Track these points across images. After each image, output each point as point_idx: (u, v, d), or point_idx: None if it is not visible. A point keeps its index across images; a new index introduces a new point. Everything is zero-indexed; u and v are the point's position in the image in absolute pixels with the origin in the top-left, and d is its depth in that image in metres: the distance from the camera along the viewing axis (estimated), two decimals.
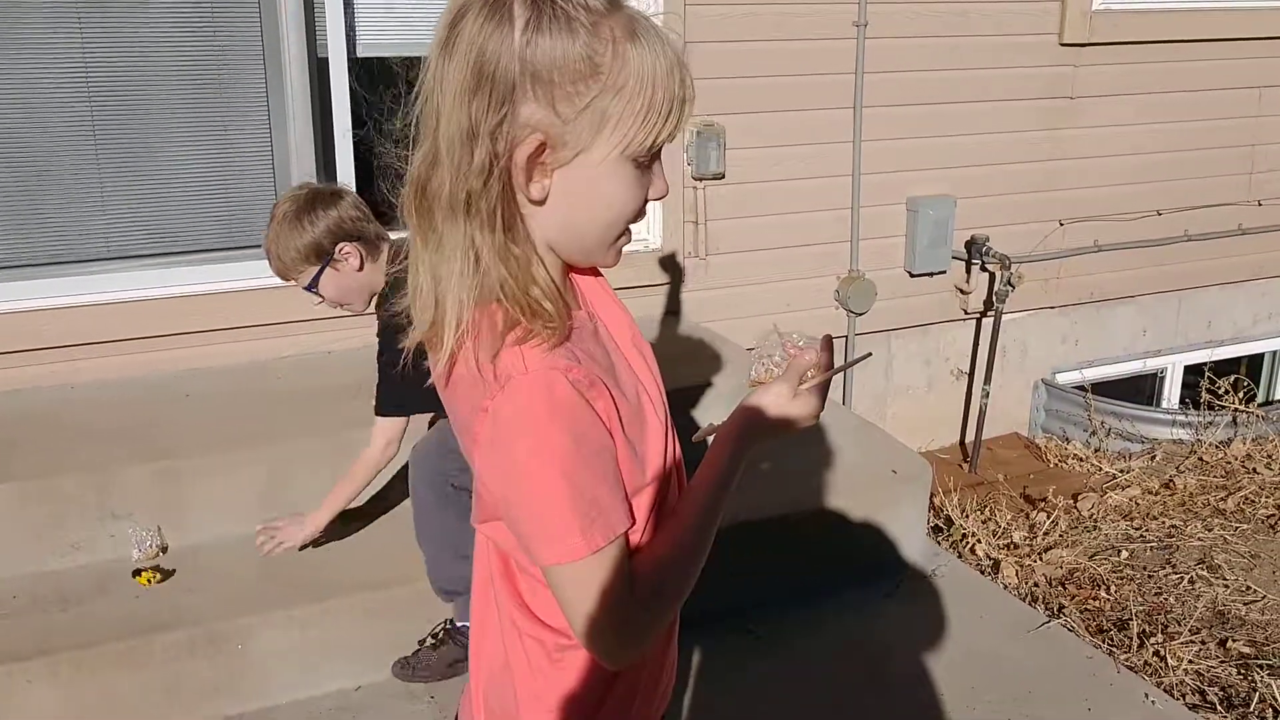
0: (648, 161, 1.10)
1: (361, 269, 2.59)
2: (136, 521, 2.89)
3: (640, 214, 1.14)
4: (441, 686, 2.81)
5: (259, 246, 3.50)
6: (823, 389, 1.24)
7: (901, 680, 2.88)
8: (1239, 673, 3.07)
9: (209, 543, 2.96)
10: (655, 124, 1.07)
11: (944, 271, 4.56)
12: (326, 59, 3.45)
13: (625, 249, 1.16)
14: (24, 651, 2.53)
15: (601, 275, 1.25)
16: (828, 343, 1.25)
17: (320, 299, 2.64)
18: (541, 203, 1.08)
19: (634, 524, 1.11)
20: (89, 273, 3.34)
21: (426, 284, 1.11)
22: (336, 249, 2.55)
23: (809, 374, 1.23)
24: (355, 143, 3.57)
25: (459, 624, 2.75)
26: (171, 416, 3.17)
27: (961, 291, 4.64)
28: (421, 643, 2.80)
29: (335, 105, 3.48)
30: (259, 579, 2.83)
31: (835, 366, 1.25)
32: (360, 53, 3.50)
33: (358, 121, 3.59)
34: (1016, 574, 3.51)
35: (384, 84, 4.51)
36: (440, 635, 2.78)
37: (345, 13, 3.43)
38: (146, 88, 3.31)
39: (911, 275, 4.52)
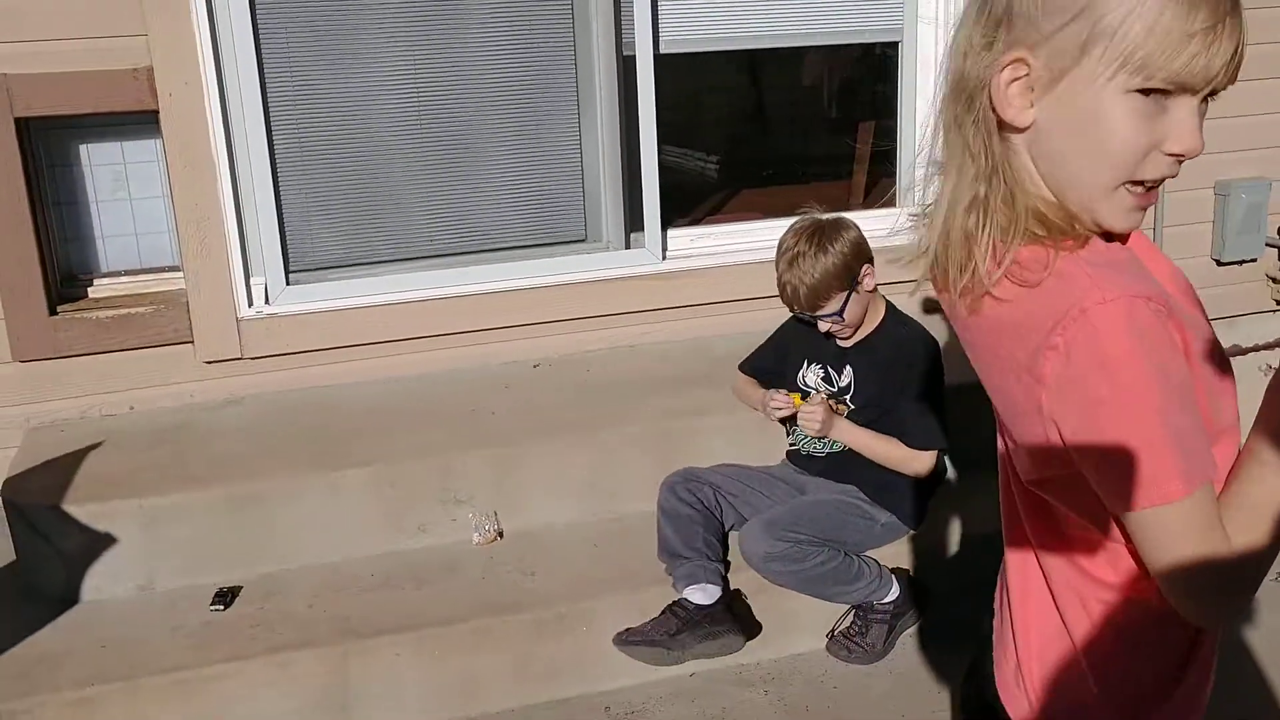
0: (1163, 100, 0.99)
1: (874, 289, 2.75)
2: (475, 506, 3.01)
3: (1154, 165, 1.01)
4: (775, 677, 2.81)
5: (568, 243, 3.66)
6: None
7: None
8: None
9: (540, 527, 3.05)
10: (1163, 49, 0.96)
11: (1255, 259, 4.27)
12: (633, 56, 3.50)
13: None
14: (390, 625, 2.66)
15: (1144, 237, 1.18)
16: None
17: (840, 323, 2.74)
18: (1026, 129, 1.03)
19: (1216, 469, 1.02)
20: (411, 270, 3.50)
21: (948, 219, 1.08)
22: (861, 270, 2.68)
23: None
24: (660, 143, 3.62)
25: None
26: (496, 406, 3.28)
27: (1275, 281, 4.33)
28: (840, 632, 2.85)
29: (641, 105, 3.54)
30: (594, 563, 2.90)
31: None
32: (664, 49, 3.55)
33: (664, 123, 3.63)
34: None
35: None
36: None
37: (651, 11, 3.48)
38: (467, 93, 3.45)
39: (1219, 264, 4.25)
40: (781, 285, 2.73)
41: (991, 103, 1.03)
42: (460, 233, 3.55)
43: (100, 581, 2.79)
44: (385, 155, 3.43)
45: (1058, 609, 1.15)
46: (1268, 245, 4.24)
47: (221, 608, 2.72)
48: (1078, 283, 1.00)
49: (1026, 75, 1.01)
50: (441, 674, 2.67)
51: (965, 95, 1.04)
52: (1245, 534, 1.02)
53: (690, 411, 3.21)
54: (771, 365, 2.97)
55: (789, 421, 2.89)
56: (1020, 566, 1.20)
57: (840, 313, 2.69)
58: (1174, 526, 1.00)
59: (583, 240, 3.66)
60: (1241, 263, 4.26)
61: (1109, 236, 1.09)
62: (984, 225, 1.04)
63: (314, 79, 3.31)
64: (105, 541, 2.77)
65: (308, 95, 3.32)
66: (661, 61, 3.57)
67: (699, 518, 2.79)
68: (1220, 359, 1.10)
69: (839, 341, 2.82)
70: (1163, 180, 1.04)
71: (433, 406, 3.30)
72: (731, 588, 2.77)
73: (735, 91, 7.19)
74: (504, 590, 2.80)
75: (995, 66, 1.02)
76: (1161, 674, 1.14)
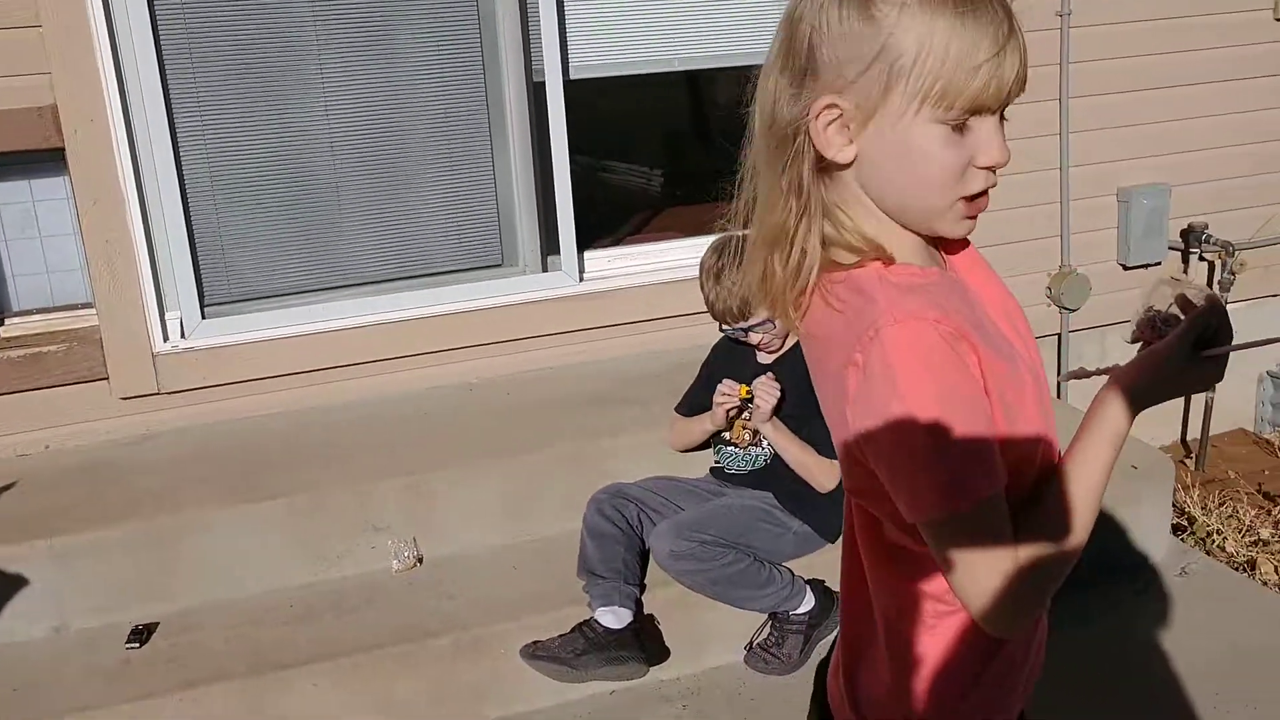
0: (962, 123, 1.06)
1: None
2: (394, 533, 3.02)
3: (973, 180, 1.10)
4: (695, 692, 2.85)
5: (485, 268, 3.68)
6: (1223, 360, 1.17)
7: (1165, 679, 2.78)
8: None
9: (460, 552, 3.07)
10: (955, 81, 1.04)
11: (1159, 263, 4.40)
12: (543, 83, 3.55)
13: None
14: (308, 655, 2.67)
15: (972, 247, 1.25)
16: (1219, 306, 1.19)
17: (772, 329, 2.82)
18: (849, 164, 1.10)
19: (1004, 483, 1.08)
20: (328, 299, 3.52)
21: (756, 254, 1.16)
22: None
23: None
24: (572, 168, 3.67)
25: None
26: (416, 432, 3.31)
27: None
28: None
29: (553, 130, 3.58)
30: (512, 585, 2.93)
31: (1243, 341, 1.17)
32: (573, 75, 3.60)
33: (576, 147, 3.68)
34: (1276, 570, 3.34)
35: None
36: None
37: (560, 38, 3.53)
38: (379, 121, 3.47)
39: (1125, 268, 4.37)
40: (710, 303, 2.80)
41: (811, 143, 1.09)
42: (377, 260, 3.58)
43: (12, 624, 2.77)
44: (299, 185, 3.45)
45: (875, 610, 1.21)
46: (1170, 249, 4.37)
47: (137, 645, 2.71)
48: (877, 304, 1.07)
49: (840, 116, 1.08)
50: (361, 702, 2.68)
51: (775, 139, 1.10)
52: (1046, 532, 1.09)
53: (608, 431, 3.25)
54: (705, 400, 3.00)
55: (716, 438, 2.95)
56: (849, 569, 1.26)
57: (772, 319, 2.76)
58: (953, 538, 1.07)
59: (499, 265, 3.70)
60: (1146, 266, 4.39)
61: (937, 244, 1.19)
62: (790, 258, 1.10)
63: (223, 110, 3.32)
64: (17, 583, 2.76)
65: (217, 127, 3.33)
66: (585, 84, 3.62)
67: (622, 538, 2.83)
68: (1033, 381, 1.16)
69: (760, 359, 2.88)
70: (985, 190, 1.13)
71: (352, 435, 3.32)
72: (646, 611, 2.81)
73: (678, 108, 7.31)
74: (422, 616, 2.82)
75: (809, 112, 1.08)
76: (961, 670, 1.20)
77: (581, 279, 3.75)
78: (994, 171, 1.11)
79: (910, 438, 1.04)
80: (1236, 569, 3.38)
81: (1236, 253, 4.27)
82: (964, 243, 1.23)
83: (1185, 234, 4.36)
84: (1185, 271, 4.45)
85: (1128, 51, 4.16)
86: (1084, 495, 1.12)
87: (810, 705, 1.38)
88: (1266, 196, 4.48)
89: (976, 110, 1.07)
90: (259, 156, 3.39)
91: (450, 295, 3.59)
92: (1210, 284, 4.45)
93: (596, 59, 3.65)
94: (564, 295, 3.69)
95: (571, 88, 3.60)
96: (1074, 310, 4.28)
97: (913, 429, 1.03)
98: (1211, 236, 4.32)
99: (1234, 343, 1.16)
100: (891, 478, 1.08)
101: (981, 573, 1.07)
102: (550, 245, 3.72)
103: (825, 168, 1.11)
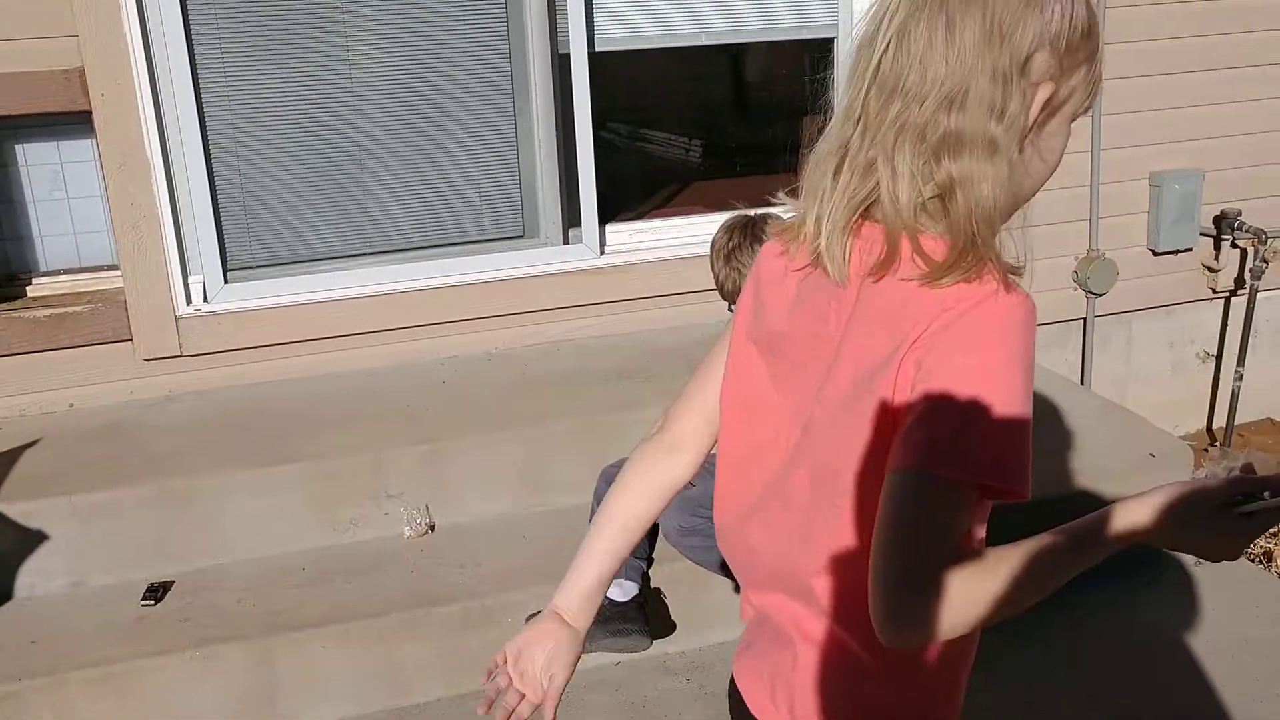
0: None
1: None
2: (407, 500, 3.05)
3: None
4: (699, 666, 2.87)
5: (507, 239, 3.70)
6: (1262, 525, 1.03)
7: (1175, 670, 2.77)
8: None
9: (472, 521, 3.10)
10: (1095, 84, 1.10)
11: (1190, 249, 4.34)
12: (568, 55, 3.54)
13: None
14: (319, 618, 2.71)
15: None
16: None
17: None
18: (1023, 152, 1.09)
19: (1027, 497, 1.02)
20: (351, 267, 3.54)
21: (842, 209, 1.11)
22: None
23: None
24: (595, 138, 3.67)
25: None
26: (433, 401, 3.33)
27: (1209, 269, 4.40)
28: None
29: (576, 104, 3.58)
30: (522, 555, 2.95)
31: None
32: (598, 47, 3.59)
33: (613, 115, 3.67)
34: None
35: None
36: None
37: (586, 10, 3.52)
38: (404, 91, 3.48)
39: (1155, 254, 4.32)
40: (720, 283, 2.78)
41: (1026, 116, 1.07)
42: (399, 229, 3.59)
43: (33, 579, 2.83)
44: (323, 152, 3.47)
45: (842, 624, 1.17)
46: (1201, 235, 4.31)
47: (152, 603, 2.76)
48: (988, 278, 1.06)
49: (1051, 101, 1.08)
50: (369, 666, 2.72)
51: (1010, 109, 1.06)
52: (1009, 554, 1.02)
53: (624, 405, 3.26)
54: None
55: None
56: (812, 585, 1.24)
57: None
58: (921, 500, 1.01)
59: (521, 236, 3.71)
60: (1177, 252, 4.33)
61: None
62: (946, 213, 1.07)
63: (248, 76, 3.34)
64: (37, 539, 2.81)
65: (242, 92, 3.35)
66: (626, 54, 3.60)
67: None
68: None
69: None
70: None
71: (369, 402, 3.35)
72: (653, 585, 2.82)
73: (719, 80, 7.23)
74: (433, 583, 2.85)
75: (1035, 87, 1.07)
76: (955, 674, 1.20)
77: (603, 252, 3.75)
78: None
79: (988, 394, 1.00)
80: (1253, 560, 3.35)
81: (1269, 240, 4.20)
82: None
83: (1218, 220, 4.30)
84: (1216, 258, 4.38)
85: (1161, 34, 4.09)
86: (1037, 568, 1.02)
87: None
88: None
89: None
90: (284, 123, 3.41)
91: (471, 266, 3.60)
92: (1241, 271, 4.39)
93: (622, 31, 3.64)
94: (584, 268, 3.69)
95: (611, 54, 3.59)
96: (1101, 295, 4.24)
97: (997, 387, 1.01)
98: (1244, 223, 4.25)
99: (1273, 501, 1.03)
100: (926, 423, 1.01)
101: (909, 550, 1.00)
102: (572, 218, 3.73)
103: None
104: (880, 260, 1.08)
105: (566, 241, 3.72)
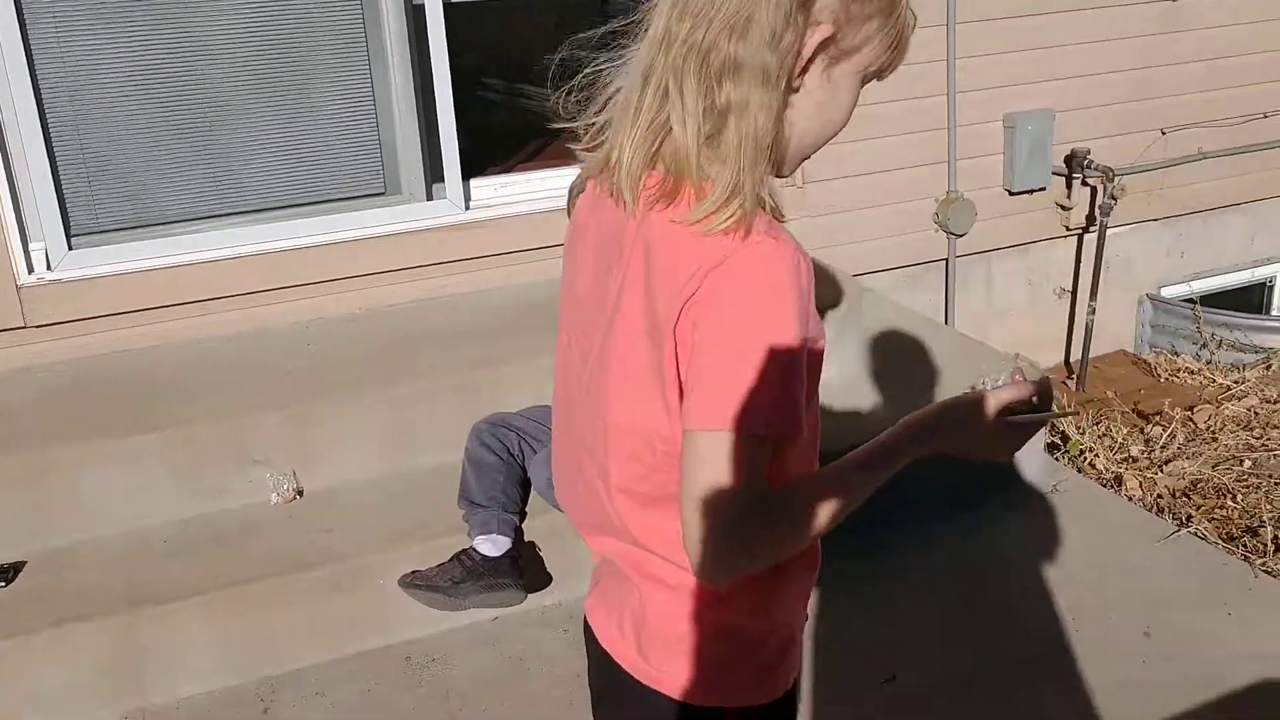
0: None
1: None
2: (273, 466, 2.99)
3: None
4: (576, 617, 2.88)
5: (368, 196, 3.62)
6: (1026, 430, 1.17)
7: (1030, 594, 2.88)
8: None
9: (340, 484, 3.05)
10: (893, 49, 1.11)
11: (1044, 188, 4.48)
12: (422, 6, 3.46)
13: None
14: (184, 590, 2.64)
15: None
16: (1046, 387, 1.19)
17: None
18: (795, 92, 1.09)
19: (804, 434, 1.08)
20: (205, 229, 3.43)
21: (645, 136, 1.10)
22: None
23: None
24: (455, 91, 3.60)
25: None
26: (297, 364, 3.26)
27: (1062, 208, 4.56)
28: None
29: (434, 56, 3.51)
30: (391, 516, 2.92)
31: (1047, 412, 1.17)
32: None
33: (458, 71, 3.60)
34: (1140, 486, 3.47)
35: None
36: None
37: None
38: (254, 47, 3.36)
39: (1011, 193, 4.45)
40: None
41: (794, 57, 1.06)
42: (254, 189, 3.49)
43: None
44: (168, 112, 3.34)
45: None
46: (1054, 174, 4.45)
47: (2, 584, 2.66)
48: (755, 223, 1.05)
49: (829, 47, 1.08)
50: (239, 635, 2.67)
51: (782, 44, 1.05)
52: (806, 485, 1.10)
53: (493, 361, 3.24)
54: None
55: None
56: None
57: None
58: (717, 454, 1.04)
59: (383, 193, 3.63)
60: (1031, 192, 4.47)
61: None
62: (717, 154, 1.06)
63: (81, 35, 3.19)
64: None
65: (76, 53, 3.19)
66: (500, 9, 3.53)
67: (502, 466, 2.83)
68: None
69: None
70: None
71: (230, 368, 3.26)
72: (526, 539, 2.82)
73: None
74: (301, 548, 2.80)
75: (806, 27, 1.06)
76: (803, 582, 1.24)
77: (468, 207, 3.70)
78: None
79: (751, 349, 1.03)
80: (1104, 485, 3.50)
81: (1117, 178, 4.36)
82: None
83: (1069, 160, 4.45)
84: (1069, 196, 4.53)
85: None
86: (836, 493, 1.10)
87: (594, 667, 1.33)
88: (1148, 123, 4.58)
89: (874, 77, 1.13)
90: (125, 82, 3.27)
91: (332, 225, 3.52)
92: (1091, 209, 4.55)
93: None
94: (449, 224, 3.64)
95: (480, 7, 3.53)
96: (961, 235, 4.35)
97: (758, 341, 1.03)
98: (1094, 162, 4.40)
99: (1039, 414, 1.16)
100: (700, 379, 1.04)
101: (717, 502, 1.04)
102: (436, 173, 3.66)
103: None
104: (663, 193, 1.08)
105: (430, 198, 3.66)
